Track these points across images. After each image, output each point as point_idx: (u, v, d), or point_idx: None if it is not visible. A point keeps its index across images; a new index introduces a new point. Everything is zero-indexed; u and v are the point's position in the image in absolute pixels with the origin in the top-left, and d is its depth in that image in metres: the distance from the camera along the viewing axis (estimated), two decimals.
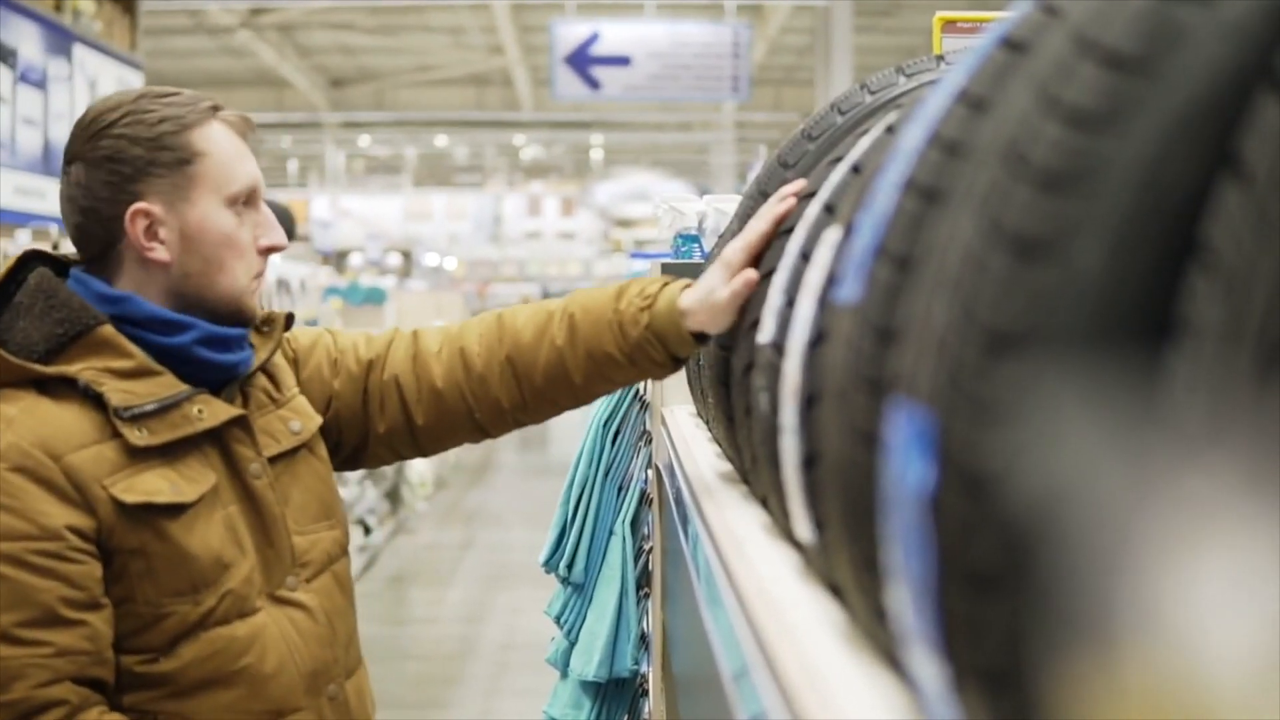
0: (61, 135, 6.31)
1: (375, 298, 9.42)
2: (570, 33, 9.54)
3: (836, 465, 0.67)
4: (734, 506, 1.15)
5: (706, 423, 1.57)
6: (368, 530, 7.03)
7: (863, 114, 1.18)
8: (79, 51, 6.81)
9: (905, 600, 0.53)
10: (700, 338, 1.39)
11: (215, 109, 1.40)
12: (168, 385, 1.35)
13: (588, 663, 2.00)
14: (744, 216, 1.33)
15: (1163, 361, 0.40)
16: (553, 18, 10.25)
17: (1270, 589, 0.29)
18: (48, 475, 1.28)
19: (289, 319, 1.53)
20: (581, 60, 9.48)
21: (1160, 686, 0.32)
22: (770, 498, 0.97)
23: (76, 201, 1.37)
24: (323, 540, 1.48)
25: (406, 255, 24.87)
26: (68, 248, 1.46)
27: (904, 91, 1.17)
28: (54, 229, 5.17)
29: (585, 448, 2.13)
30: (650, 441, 2.03)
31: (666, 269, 1.98)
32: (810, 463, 0.76)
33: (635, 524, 2.07)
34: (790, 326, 0.86)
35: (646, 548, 2.02)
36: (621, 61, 9.50)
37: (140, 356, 1.35)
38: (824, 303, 0.78)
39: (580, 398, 1.52)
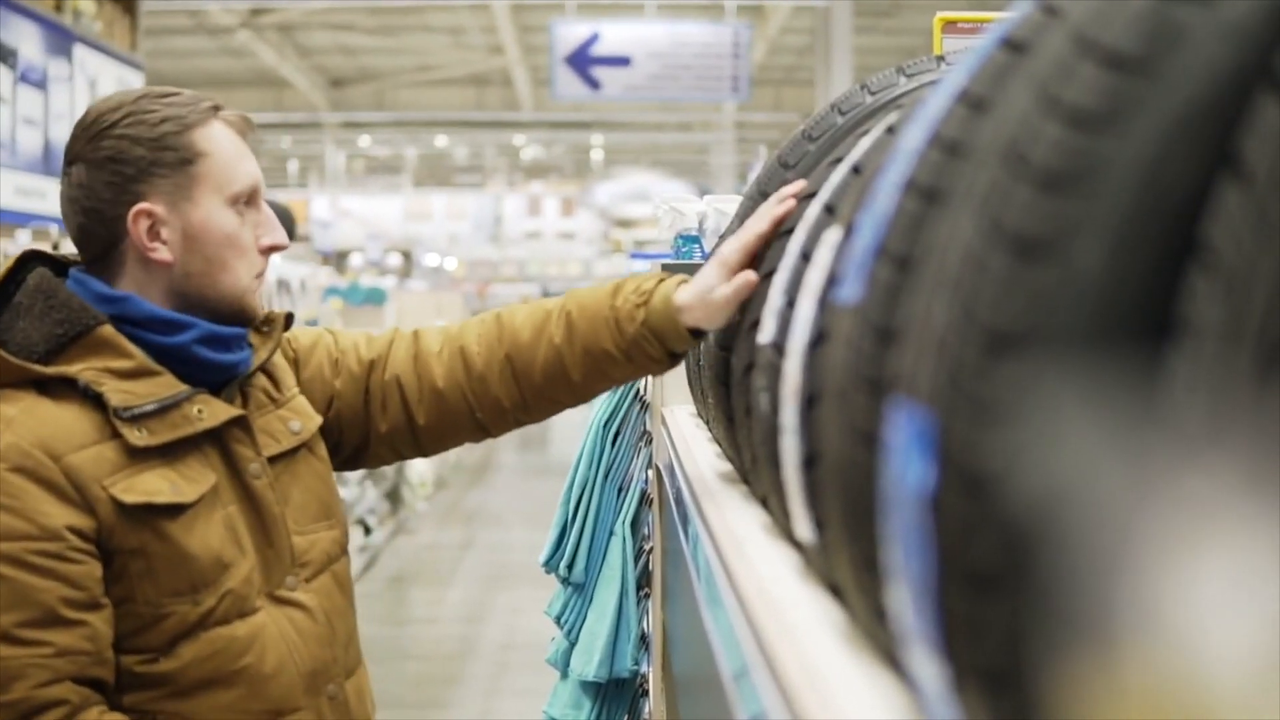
0: (62, 135, 6.33)
1: (375, 298, 9.42)
2: (570, 33, 9.54)
3: (837, 465, 0.67)
4: (734, 507, 1.15)
5: (707, 423, 1.57)
6: (368, 530, 7.03)
7: (863, 114, 1.18)
8: (79, 52, 6.81)
9: (905, 600, 0.53)
10: (697, 333, 1.39)
11: (216, 109, 1.40)
12: (167, 385, 1.35)
13: (588, 663, 2.00)
14: (744, 217, 1.33)
15: (1163, 361, 0.40)
16: (553, 18, 10.25)
17: (1270, 589, 0.29)
18: (48, 475, 1.28)
19: (288, 319, 1.53)
20: (581, 60, 9.48)
21: (1160, 686, 0.32)
22: (770, 498, 0.97)
23: (78, 202, 1.37)
24: (322, 540, 1.48)
25: (406, 255, 24.87)
26: (68, 248, 1.46)
27: (904, 92, 1.17)
28: (54, 229, 5.17)
29: (585, 448, 2.13)
30: (650, 442, 2.03)
31: (667, 269, 1.98)
32: (810, 463, 0.76)
33: (635, 524, 2.07)
34: (790, 327, 0.86)
35: (647, 548, 2.02)
36: (621, 62, 9.50)
37: (140, 357, 1.35)
38: (824, 303, 0.78)
39: (580, 395, 1.52)
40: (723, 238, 1.49)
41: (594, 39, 9.50)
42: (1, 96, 5.99)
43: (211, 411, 1.38)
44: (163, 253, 1.37)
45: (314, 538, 1.47)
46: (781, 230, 1.16)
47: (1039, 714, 0.42)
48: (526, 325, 1.50)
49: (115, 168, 1.35)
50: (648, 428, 2.06)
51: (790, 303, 0.90)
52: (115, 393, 1.32)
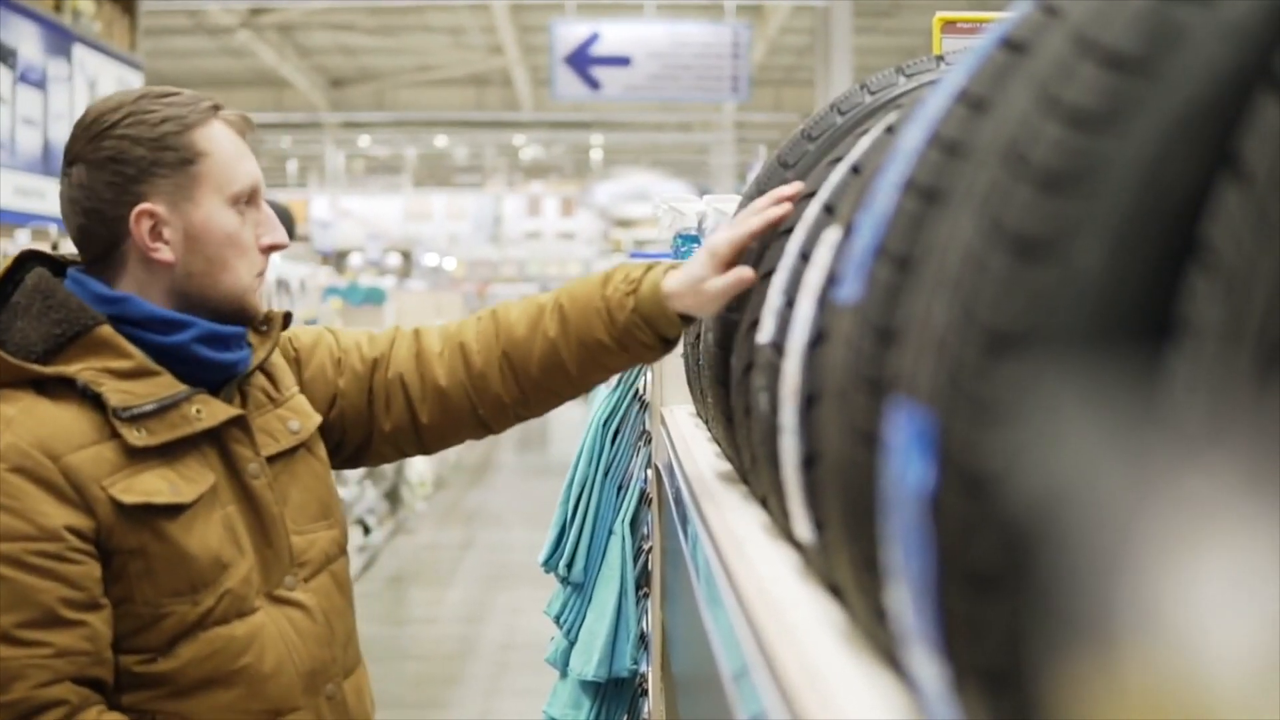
0: (61, 135, 6.31)
1: (375, 298, 9.41)
2: (570, 33, 9.54)
3: (836, 465, 0.67)
4: (733, 506, 1.15)
5: (706, 422, 1.57)
6: (367, 530, 7.03)
7: (863, 114, 1.18)
8: (79, 52, 6.81)
9: (905, 600, 0.52)
10: (687, 319, 1.42)
11: (216, 108, 1.40)
12: (166, 385, 1.35)
13: (587, 662, 2.00)
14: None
15: (1163, 361, 0.39)
16: (553, 18, 10.25)
17: (1270, 589, 0.29)
18: (47, 476, 1.28)
19: (286, 318, 1.53)
20: (581, 60, 9.48)
21: (1160, 686, 0.32)
22: (770, 498, 0.97)
23: (79, 203, 1.37)
24: (321, 540, 1.48)
25: (406, 255, 24.87)
26: (67, 248, 1.46)
27: (904, 92, 1.17)
28: (53, 229, 5.17)
29: (585, 447, 2.13)
30: (650, 441, 2.03)
31: None
32: (810, 463, 0.76)
33: (635, 524, 2.07)
34: (790, 326, 0.86)
35: (646, 547, 2.02)
36: (621, 62, 9.50)
37: (139, 356, 1.35)
38: (824, 303, 0.78)
39: (578, 386, 1.53)
40: None
41: (594, 39, 9.50)
42: (1, 96, 5.99)
43: (210, 411, 1.38)
44: (164, 253, 1.37)
45: (312, 537, 1.47)
46: (781, 230, 1.16)
47: (1039, 714, 0.42)
48: (521, 321, 1.51)
49: (116, 168, 1.35)
50: (647, 427, 2.06)
51: (789, 302, 0.90)
52: (114, 393, 1.32)
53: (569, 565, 2.06)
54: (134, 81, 7.31)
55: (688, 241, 2.21)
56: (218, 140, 1.39)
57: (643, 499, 2.05)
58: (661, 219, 2.34)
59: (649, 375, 2.06)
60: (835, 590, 0.78)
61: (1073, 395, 0.41)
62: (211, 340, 1.39)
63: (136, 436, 1.32)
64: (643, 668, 2.01)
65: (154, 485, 1.32)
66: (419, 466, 8.28)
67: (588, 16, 10.45)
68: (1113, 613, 0.35)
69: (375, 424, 1.56)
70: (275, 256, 1.48)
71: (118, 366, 1.34)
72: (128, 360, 1.34)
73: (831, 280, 0.77)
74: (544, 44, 11.02)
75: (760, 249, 1.25)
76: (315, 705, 1.43)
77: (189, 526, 1.34)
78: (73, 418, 1.31)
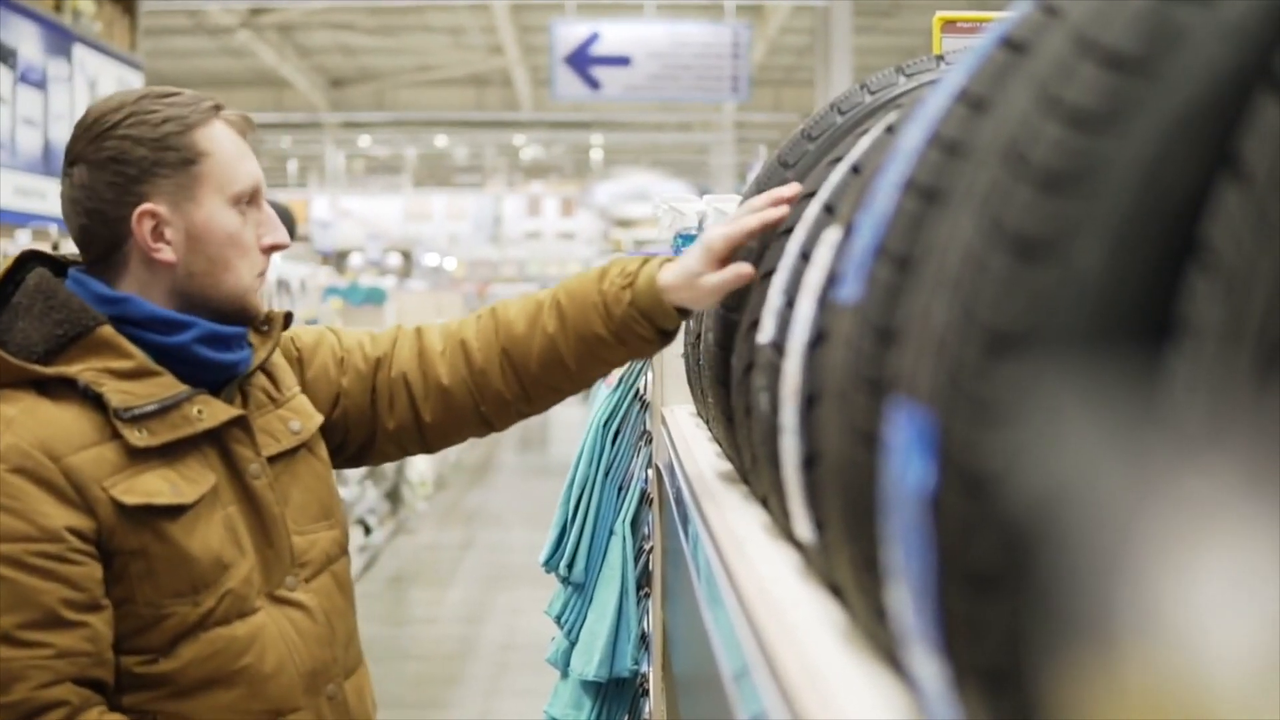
0: (61, 136, 6.33)
1: (375, 298, 9.41)
2: (570, 33, 9.54)
3: (836, 465, 0.67)
4: (734, 506, 1.15)
5: (706, 422, 1.57)
6: (368, 530, 7.03)
7: (863, 114, 1.18)
8: (79, 52, 6.81)
9: (905, 600, 0.53)
10: (683, 312, 1.43)
11: (217, 108, 1.40)
12: (167, 386, 1.35)
13: (588, 662, 2.00)
14: None
15: (1163, 361, 0.40)
16: (552, 18, 10.25)
17: (1270, 589, 0.29)
18: (48, 477, 1.28)
19: (287, 318, 1.54)
20: (581, 60, 9.48)
21: (1160, 686, 0.32)
22: (770, 498, 0.97)
23: (80, 203, 1.37)
24: (322, 540, 1.48)
25: (406, 255, 24.87)
26: (67, 248, 1.46)
27: (904, 91, 1.17)
28: (54, 229, 5.17)
29: (585, 447, 2.13)
30: (650, 441, 2.03)
31: None
32: (810, 463, 0.76)
33: (635, 524, 2.07)
34: (790, 326, 0.86)
35: (647, 547, 2.02)
36: (621, 62, 9.50)
37: (140, 357, 1.35)
38: (824, 303, 0.78)
39: (578, 382, 1.54)
40: None
41: (594, 39, 9.50)
42: (1, 97, 5.99)
43: (211, 412, 1.38)
44: (166, 253, 1.37)
45: (313, 538, 1.47)
46: (781, 229, 1.16)
47: (1039, 714, 0.42)
48: (520, 318, 1.52)
49: (118, 168, 1.35)
50: (648, 427, 2.06)
51: (790, 302, 0.90)
52: (115, 393, 1.32)
53: (570, 565, 2.06)
54: (134, 81, 7.31)
55: (687, 241, 2.21)
56: (219, 140, 1.39)
57: (643, 499, 2.05)
58: (661, 219, 2.34)
59: (649, 375, 2.06)
60: (836, 590, 0.78)
61: (1073, 395, 0.41)
62: (212, 340, 1.39)
63: (138, 437, 1.32)
64: (644, 668, 2.01)
65: (155, 486, 1.32)
66: (420, 466, 8.29)
67: (588, 16, 10.45)
68: (1113, 613, 0.35)
69: (378, 423, 1.57)
70: (276, 257, 1.48)
71: (119, 367, 1.34)
72: (129, 361, 1.34)
73: (832, 280, 0.77)
74: (544, 44, 11.02)
75: (760, 249, 1.25)
76: (316, 705, 1.43)
77: (190, 527, 1.34)
78: (74, 418, 1.31)
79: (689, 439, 1.60)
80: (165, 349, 1.37)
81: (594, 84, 9.53)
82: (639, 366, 2.12)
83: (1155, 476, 0.35)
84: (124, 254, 1.38)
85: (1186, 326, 0.38)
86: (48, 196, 6.16)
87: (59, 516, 1.27)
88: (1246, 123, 0.39)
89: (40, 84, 6.37)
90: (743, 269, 1.28)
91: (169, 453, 1.34)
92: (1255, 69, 0.40)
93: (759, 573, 0.88)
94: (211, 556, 1.35)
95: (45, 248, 1.45)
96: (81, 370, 1.32)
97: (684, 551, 1.31)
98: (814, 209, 0.97)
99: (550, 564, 2.11)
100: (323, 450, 1.53)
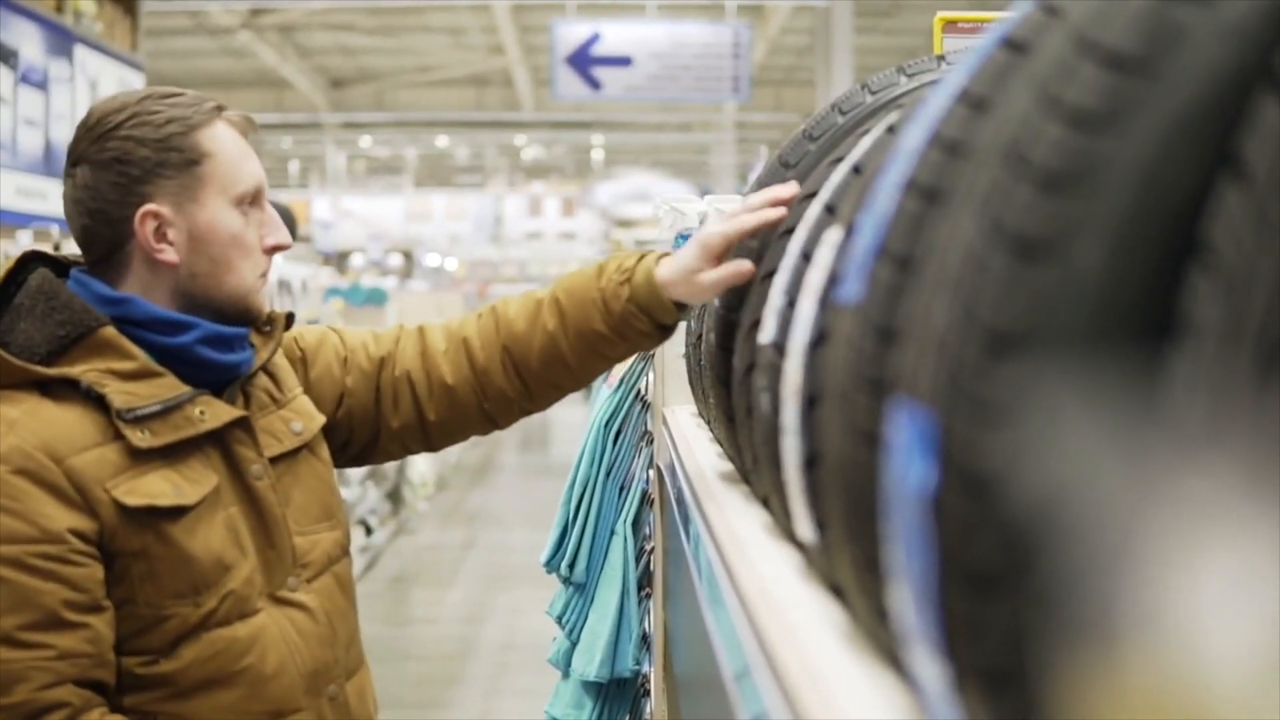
0: (63, 136, 6.32)
1: (376, 298, 9.41)
2: (571, 33, 9.54)
3: (838, 465, 0.67)
4: (735, 507, 1.15)
5: (708, 423, 1.57)
6: (369, 531, 7.03)
7: (864, 114, 1.18)
8: (80, 52, 6.81)
9: (906, 600, 0.53)
10: (681, 306, 1.44)
11: (220, 109, 1.40)
12: (170, 387, 1.35)
13: (589, 663, 2.00)
14: None
15: (1163, 361, 0.40)
16: (553, 18, 10.25)
17: (1270, 589, 0.29)
18: (50, 478, 1.28)
19: (289, 319, 1.54)
20: (582, 60, 9.48)
21: (1161, 686, 0.32)
22: (771, 498, 0.97)
23: (83, 204, 1.37)
24: (323, 541, 1.49)
25: (408, 256, 24.87)
26: (68, 249, 1.46)
27: (905, 92, 1.17)
28: (55, 230, 5.17)
29: (586, 448, 2.13)
30: (652, 441, 2.03)
31: None
32: (811, 463, 0.76)
33: (637, 524, 2.06)
34: (791, 327, 0.86)
35: (648, 548, 2.02)
36: (622, 62, 9.50)
37: (142, 358, 1.35)
38: (825, 303, 0.78)
39: (579, 378, 1.55)
40: None
41: (594, 39, 9.50)
42: (2, 97, 5.99)
43: (214, 413, 1.38)
44: (169, 254, 1.37)
45: (315, 538, 1.47)
46: (782, 230, 1.16)
47: (1040, 714, 0.42)
48: (520, 316, 1.53)
49: (121, 169, 1.35)
50: (649, 427, 2.06)
51: (791, 303, 0.90)
52: (118, 394, 1.32)
53: (571, 566, 2.06)
54: (135, 82, 7.31)
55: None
56: (222, 141, 1.39)
57: (644, 499, 2.05)
58: (662, 219, 2.34)
59: (651, 376, 2.06)
60: (837, 590, 0.79)
61: (1073, 395, 0.41)
62: (215, 341, 1.39)
63: (140, 438, 1.32)
64: (645, 668, 2.01)
65: (157, 487, 1.32)
66: (421, 467, 8.29)
67: (589, 17, 10.45)
68: (1113, 613, 0.35)
69: (383, 422, 1.57)
70: (277, 257, 1.48)
71: (121, 368, 1.34)
72: (131, 361, 1.34)
73: (833, 280, 0.77)
74: (545, 44, 11.02)
75: (761, 249, 1.25)
76: (317, 706, 1.43)
77: (192, 528, 1.34)
78: (76, 419, 1.31)
79: (690, 439, 1.60)
80: (167, 350, 1.37)
81: (595, 84, 9.53)
82: (640, 367, 2.12)
83: (1155, 476, 0.35)
84: (126, 254, 1.38)
85: (1187, 326, 0.38)
86: (49, 197, 6.15)
87: (61, 518, 1.27)
88: (1246, 123, 0.39)
89: (41, 84, 6.37)
90: (741, 266, 1.28)
91: (171, 454, 1.34)
92: (1255, 69, 0.40)
93: (760, 573, 0.88)
94: (213, 557, 1.35)
95: (47, 248, 1.45)
96: (84, 371, 1.32)
97: (685, 552, 1.31)
98: (815, 209, 0.97)
99: (551, 564, 2.11)
100: (324, 451, 1.53)
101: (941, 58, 1.27)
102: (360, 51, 15.94)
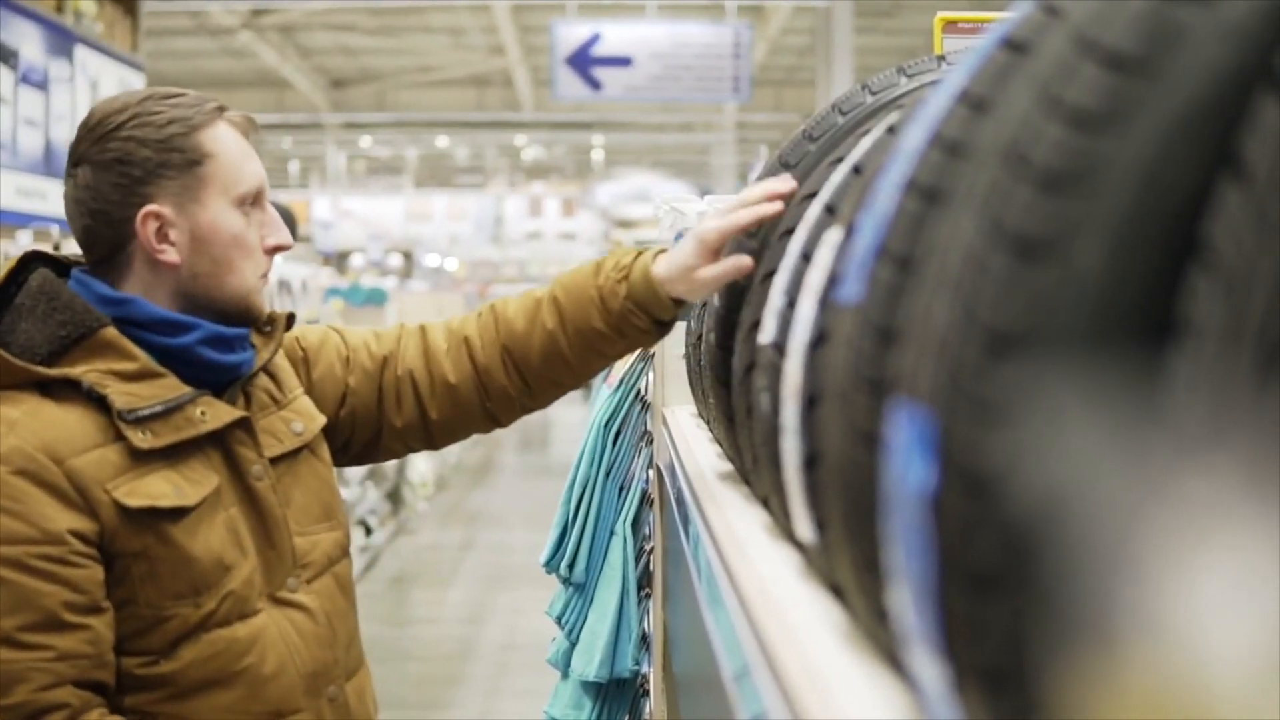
0: (63, 136, 6.33)
1: (376, 299, 9.41)
2: (571, 33, 9.54)
3: (838, 466, 0.67)
4: (735, 507, 1.15)
5: (707, 423, 1.57)
6: (369, 531, 7.03)
7: (864, 114, 1.18)
8: (80, 52, 6.81)
9: (906, 601, 0.53)
10: (678, 302, 1.45)
11: (221, 109, 1.40)
12: (171, 387, 1.35)
13: (589, 663, 2.00)
14: None
15: (1163, 361, 0.40)
16: (553, 18, 10.25)
17: (1270, 589, 0.29)
18: (51, 479, 1.28)
19: (290, 319, 1.54)
20: (582, 61, 9.48)
21: (1161, 687, 0.32)
22: (771, 498, 0.97)
23: (84, 204, 1.37)
24: (323, 542, 1.49)
25: (408, 256, 24.88)
26: (68, 249, 1.46)
27: (905, 92, 1.17)
28: (55, 230, 5.17)
29: (586, 448, 2.13)
30: (651, 442, 2.03)
31: None
32: (811, 463, 0.76)
33: (636, 524, 2.06)
34: (791, 327, 0.86)
35: (647, 548, 2.02)
36: (622, 62, 9.50)
37: (143, 359, 1.35)
38: (825, 303, 0.78)
39: (578, 375, 1.56)
40: None
41: (595, 39, 9.50)
42: (2, 97, 5.99)
43: (215, 413, 1.38)
44: (171, 254, 1.37)
45: (315, 539, 1.47)
46: (782, 230, 1.16)
47: (1040, 714, 0.42)
48: (519, 315, 1.53)
49: (122, 169, 1.35)
50: (649, 427, 2.06)
51: (791, 303, 0.90)
52: (119, 395, 1.32)
53: (570, 566, 2.06)
54: (135, 82, 7.31)
55: None
56: (223, 141, 1.39)
57: (644, 499, 2.05)
58: (662, 219, 2.34)
59: (650, 376, 2.06)
60: (836, 591, 0.78)
61: (1073, 395, 0.41)
62: (216, 342, 1.39)
63: (141, 439, 1.32)
64: (644, 668, 2.01)
65: (158, 488, 1.32)
66: (420, 467, 8.29)
67: (589, 17, 10.45)
68: (1114, 613, 0.35)
69: (385, 421, 1.58)
70: (277, 258, 1.48)
71: (122, 369, 1.34)
72: (132, 362, 1.34)
73: (833, 281, 0.77)
74: (545, 44, 11.02)
75: (761, 249, 1.25)
76: (317, 707, 1.43)
77: (192, 529, 1.34)
78: (77, 420, 1.31)
79: (690, 439, 1.60)
80: (169, 350, 1.37)
81: (595, 84, 9.53)
82: (640, 367, 2.12)
83: (1156, 477, 0.35)
84: (128, 255, 1.38)
85: (1187, 326, 0.38)
86: (49, 197, 6.15)
87: (61, 519, 1.27)
88: (1246, 123, 0.39)
89: (42, 85, 6.37)
90: (741, 262, 1.28)
91: (172, 454, 1.34)
92: (1255, 69, 0.40)
93: (760, 573, 0.88)
94: (213, 558, 1.35)
95: (46, 248, 1.45)
96: (85, 372, 1.32)
97: (685, 552, 1.31)
98: (815, 209, 0.97)
99: (551, 564, 2.11)
100: (325, 452, 1.53)
101: (942, 58, 1.27)
102: (361, 52, 15.95)
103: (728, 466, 1.38)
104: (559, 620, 2.10)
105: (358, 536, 6.55)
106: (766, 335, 0.96)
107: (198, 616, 1.34)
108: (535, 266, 24.73)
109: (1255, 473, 0.31)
